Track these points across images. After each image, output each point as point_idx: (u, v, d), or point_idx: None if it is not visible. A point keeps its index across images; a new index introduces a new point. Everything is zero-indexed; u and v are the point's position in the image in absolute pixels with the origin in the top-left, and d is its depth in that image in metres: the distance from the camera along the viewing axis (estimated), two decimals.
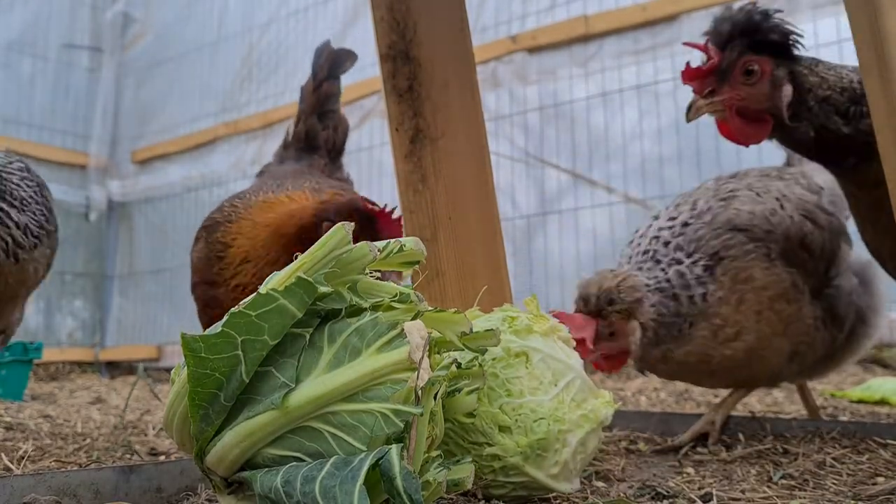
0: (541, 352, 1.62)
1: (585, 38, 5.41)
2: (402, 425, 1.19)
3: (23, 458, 2.13)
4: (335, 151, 3.13)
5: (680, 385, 3.74)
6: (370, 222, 2.20)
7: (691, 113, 1.91)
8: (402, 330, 1.26)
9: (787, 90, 1.84)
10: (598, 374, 4.87)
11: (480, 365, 1.47)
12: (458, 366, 1.46)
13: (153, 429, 2.81)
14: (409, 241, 1.44)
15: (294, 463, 1.21)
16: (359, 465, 1.13)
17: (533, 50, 5.62)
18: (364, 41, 6.53)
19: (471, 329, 1.43)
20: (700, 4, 5.02)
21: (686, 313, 2.17)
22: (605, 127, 5.30)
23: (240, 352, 1.21)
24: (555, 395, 1.57)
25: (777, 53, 1.88)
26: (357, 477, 1.11)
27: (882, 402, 3.18)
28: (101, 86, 7.98)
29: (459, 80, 2.25)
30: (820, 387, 3.83)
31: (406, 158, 2.21)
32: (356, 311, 1.31)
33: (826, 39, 4.69)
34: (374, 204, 2.27)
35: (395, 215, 2.24)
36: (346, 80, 6.82)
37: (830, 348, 2.31)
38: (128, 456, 2.26)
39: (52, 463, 2.11)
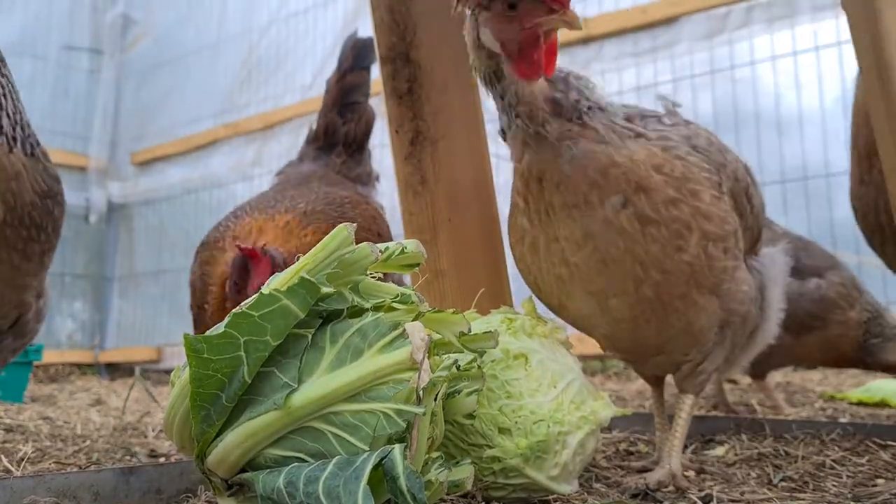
0: (539, 353, 1.62)
1: (585, 40, 5.41)
2: (404, 425, 1.19)
3: (22, 459, 2.12)
4: (356, 145, 3.06)
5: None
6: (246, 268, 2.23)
7: None
8: (404, 330, 1.26)
9: None
10: (599, 376, 4.86)
11: (479, 366, 1.47)
12: (457, 367, 1.47)
13: (153, 430, 2.81)
14: (411, 244, 1.45)
15: (296, 464, 1.21)
16: (362, 464, 1.13)
17: None
18: None
19: (469, 329, 1.43)
20: (700, 6, 5.04)
21: (591, 103, 1.74)
22: None
23: (242, 352, 1.21)
24: (554, 396, 1.57)
25: None
26: (361, 477, 1.11)
27: (882, 403, 3.18)
28: (100, 88, 7.99)
29: (459, 81, 2.26)
30: (819, 388, 3.83)
31: (406, 160, 2.21)
32: (358, 312, 1.32)
33: (826, 41, 4.70)
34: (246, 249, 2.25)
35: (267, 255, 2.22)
36: None
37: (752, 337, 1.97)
38: (127, 458, 2.26)
39: (52, 465, 2.11)
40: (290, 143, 6.97)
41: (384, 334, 1.26)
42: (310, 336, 1.26)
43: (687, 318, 1.78)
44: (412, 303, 1.36)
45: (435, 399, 1.29)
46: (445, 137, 2.22)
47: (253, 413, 1.23)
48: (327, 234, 2.20)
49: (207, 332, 1.24)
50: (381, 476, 1.14)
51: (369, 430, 1.19)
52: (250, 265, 2.20)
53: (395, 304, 1.34)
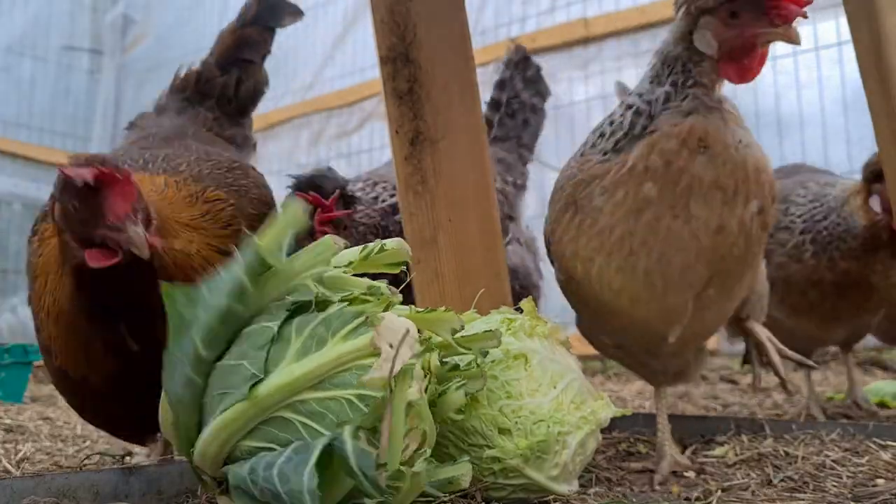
0: (539, 354, 1.62)
1: (585, 41, 5.42)
2: (366, 409, 1.20)
3: (22, 460, 2.13)
4: (236, 105, 2.67)
5: (680, 387, 3.74)
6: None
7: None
8: (367, 318, 1.27)
9: None
10: (598, 377, 4.87)
11: (479, 365, 1.47)
12: (456, 367, 1.47)
13: None
14: (392, 242, 1.46)
15: (263, 453, 1.23)
16: (313, 447, 1.15)
17: (533, 52, 5.60)
18: (364, 44, 6.54)
19: (462, 326, 1.44)
20: None
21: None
22: None
23: (200, 309, 1.25)
24: (554, 396, 1.57)
25: None
26: (310, 459, 1.13)
27: (881, 405, 3.18)
28: (101, 88, 7.99)
29: (459, 82, 2.26)
30: (819, 389, 3.83)
31: (406, 160, 2.21)
32: (326, 306, 1.32)
33: (826, 41, 4.70)
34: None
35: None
36: (347, 82, 6.84)
37: None
38: (127, 458, 2.26)
39: (52, 465, 2.11)
40: (290, 143, 6.97)
41: (347, 322, 1.27)
42: (276, 328, 1.27)
43: (733, 304, 2.00)
44: (383, 295, 1.37)
45: (415, 389, 1.29)
46: (446, 138, 2.22)
47: (224, 406, 1.24)
48: (218, 201, 1.97)
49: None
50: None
51: (334, 416, 1.20)
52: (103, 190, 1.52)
53: (366, 297, 1.35)
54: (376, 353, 1.22)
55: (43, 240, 1.80)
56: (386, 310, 1.34)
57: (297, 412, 1.22)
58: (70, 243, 1.59)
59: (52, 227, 1.72)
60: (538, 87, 3.47)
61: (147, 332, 1.60)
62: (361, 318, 1.26)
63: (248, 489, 1.20)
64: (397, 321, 1.35)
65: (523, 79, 3.43)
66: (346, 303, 1.32)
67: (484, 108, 3.37)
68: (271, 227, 1.31)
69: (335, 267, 1.43)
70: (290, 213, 1.33)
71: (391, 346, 1.28)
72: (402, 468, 1.22)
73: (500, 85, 3.42)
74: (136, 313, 1.63)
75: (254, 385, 1.22)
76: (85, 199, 1.52)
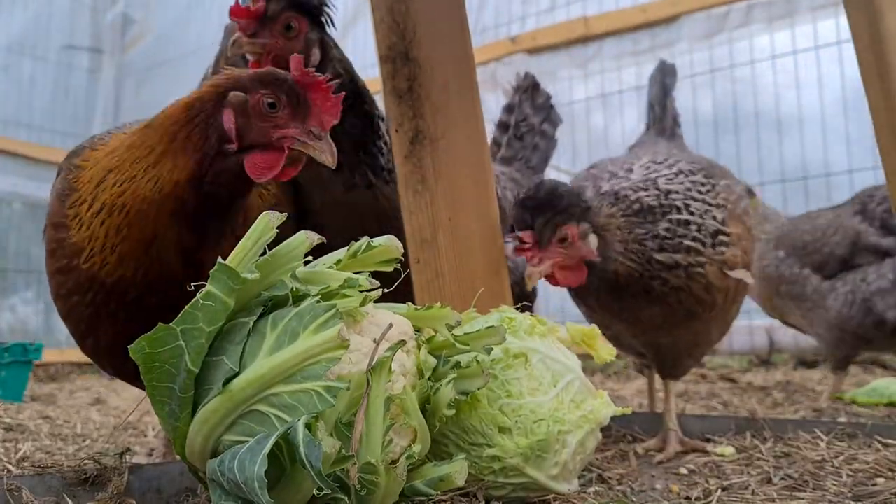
0: (539, 352, 1.62)
1: (585, 40, 5.42)
2: (333, 401, 1.20)
3: (22, 459, 2.12)
4: None
5: (679, 386, 3.74)
6: (297, 96, 1.59)
7: (234, 48, 1.96)
8: (338, 310, 1.27)
9: None
10: (598, 376, 4.88)
11: (479, 363, 1.47)
12: (457, 365, 1.47)
13: (153, 430, 2.81)
14: (380, 239, 1.45)
15: (238, 446, 1.24)
16: (270, 437, 1.17)
17: (533, 51, 5.62)
18: (364, 42, 6.54)
19: (458, 322, 1.45)
20: (699, 6, 5.04)
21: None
22: (605, 128, 5.30)
23: (181, 342, 1.25)
24: (554, 395, 1.57)
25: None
26: (264, 448, 1.15)
27: (891, 405, 3.14)
28: (101, 87, 7.99)
29: (459, 81, 2.26)
30: (819, 388, 3.83)
31: (406, 159, 2.21)
32: (303, 300, 1.33)
33: (826, 40, 4.70)
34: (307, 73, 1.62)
35: (331, 88, 1.61)
36: None
37: None
38: (126, 457, 2.25)
39: (52, 464, 2.11)
40: None
41: (319, 315, 1.27)
42: (251, 323, 1.29)
43: None
44: (362, 287, 1.37)
45: (394, 382, 1.29)
46: (445, 136, 2.22)
47: (206, 400, 1.26)
48: None
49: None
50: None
51: (304, 409, 1.21)
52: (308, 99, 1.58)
53: (344, 290, 1.35)
54: (344, 345, 1.23)
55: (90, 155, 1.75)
56: (362, 304, 1.35)
57: (272, 405, 1.24)
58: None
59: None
60: (549, 114, 3.53)
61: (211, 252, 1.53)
62: (332, 311, 1.27)
63: (219, 480, 1.22)
64: (386, 318, 1.35)
65: (532, 105, 3.49)
66: (322, 297, 1.33)
67: (492, 129, 3.46)
68: (244, 240, 1.32)
69: (323, 265, 1.44)
70: (261, 224, 1.34)
71: (374, 341, 1.29)
72: (373, 461, 1.22)
73: (509, 109, 3.49)
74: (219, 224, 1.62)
75: (228, 380, 1.24)
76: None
